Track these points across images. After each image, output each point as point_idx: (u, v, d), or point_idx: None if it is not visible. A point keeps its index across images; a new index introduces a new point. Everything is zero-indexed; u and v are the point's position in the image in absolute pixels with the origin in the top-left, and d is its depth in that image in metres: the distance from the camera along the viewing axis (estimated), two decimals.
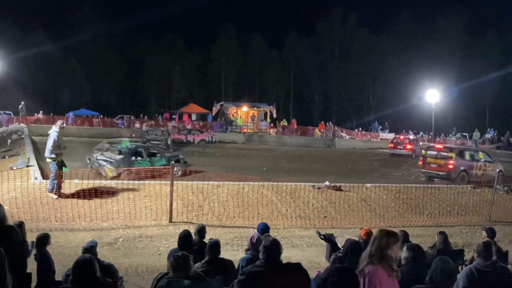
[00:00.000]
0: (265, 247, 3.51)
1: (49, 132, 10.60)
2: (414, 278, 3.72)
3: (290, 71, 66.49)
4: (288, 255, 7.13)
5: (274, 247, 3.52)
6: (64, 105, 50.79)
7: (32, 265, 4.92)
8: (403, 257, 4.20)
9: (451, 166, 16.93)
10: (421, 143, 30.94)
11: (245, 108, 40.29)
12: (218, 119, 40.49)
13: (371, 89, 62.55)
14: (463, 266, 5.86)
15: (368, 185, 13.44)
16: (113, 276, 4.55)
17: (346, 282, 3.90)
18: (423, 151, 19.54)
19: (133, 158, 14.58)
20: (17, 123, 31.14)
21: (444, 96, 42.67)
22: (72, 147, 17.68)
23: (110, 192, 10.86)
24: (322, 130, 41.07)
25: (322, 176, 14.85)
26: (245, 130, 37.87)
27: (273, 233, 6.02)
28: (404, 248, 4.28)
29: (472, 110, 53.69)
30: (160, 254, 7.77)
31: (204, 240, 5.58)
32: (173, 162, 13.18)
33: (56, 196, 10.15)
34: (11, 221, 5.54)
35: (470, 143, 35.70)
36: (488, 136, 39.84)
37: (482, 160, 17.69)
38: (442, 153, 17.74)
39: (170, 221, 9.74)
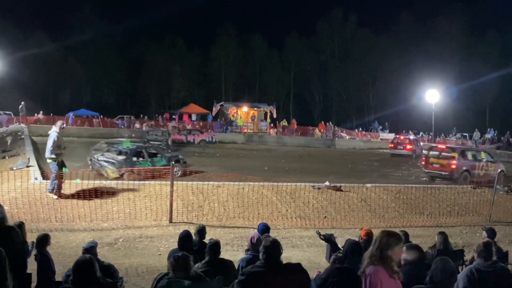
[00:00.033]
0: (265, 247, 3.51)
1: (49, 132, 10.61)
2: (414, 278, 3.72)
3: (290, 71, 66.48)
4: (288, 256, 7.13)
5: (274, 247, 3.52)
6: (64, 105, 50.87)
7: (32, 266, 4.92)
8: (402, 258, 4.19)
9: (453, 166, 16.97)
10: (421, 143, 30.95)
11: (245, 108, 40.29)
12: (218, 119, 40.49)
13: (371, 89, 62.55)
14: (463, 266, 5.86)
15: (368, 185, 13.44)
16: (113, 276, 4.55)
17: (346, 283, 3.90)
18: (425, 151, 19.56)
19: (135, 158, 14.58)
20: (17, 123, 31.12)
21: (444, 96, 42.65)
22: (72, 147, 17.69)
23: (110, 193, 10.85)
24: (322, 130, 41.07)
25: (322, 176, 14.84)
26: (245, 130, 37.86)
27: (273, 234, 6.02)
28: (404, 248, 4.28)
29: (472, 110, 53.67)
30: (160, 254, 7.77)
31: (204, 240, 5.58)
32: (173, 162, 13.20)
33: (56, 197, 10.15)
34: (11, 221, 5.55)
35: (470, 143, 35.67)
36: (488, 136, 39.84)
37: (484, 160, 17.75)
38: (445, 153, 17.79)
39: (170, 221, 9.74)
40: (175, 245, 5.65)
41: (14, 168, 12.29)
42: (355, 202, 12.03)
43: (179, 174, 13.93)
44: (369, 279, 3.07)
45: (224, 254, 5.26)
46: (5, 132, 24.66)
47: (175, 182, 10.50)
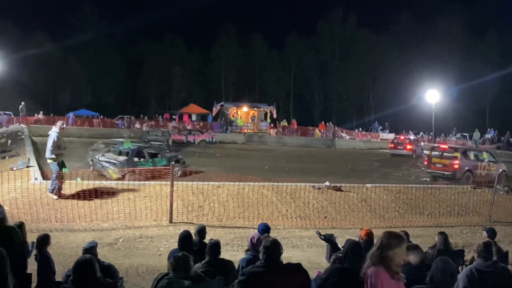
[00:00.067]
0: (265, 247, 3.51)
1: (49, 133, 10.61)
2: (414, 278, 3.72)
3: (290, 71, 66.49)
4: (288, 256, 7.13)
5: (275, 247, 3.52)
6: (64, 106, 50.92)
7: (32, 266, 4.92)
8: (404, 259, 4.18)
9: (456, 166, 17.03)
10: (422, 143, 30.96)
11: (245, 109, 40.30)
12: (218, 120, 40.50)
13: (371, 89, 62.56)
14: (463, 266, 5.86)
15: (368, 185, 13.44)
16: (113, 276, 4.55)
17: (347, 283, 3.89)
18: (428, 151, 19.60)
19: (136, 159, 14.58)
20: (18, 123, 31.14)
21: (444, 96, 42.67)
22: (72, 147, 17.68)
23: (110, 193, 10.85)
24: (322, 130, 41.08)
25: (322, 176, 14.84)
26: (245, 131, 37.86)
27: (273, 234, 6.01)
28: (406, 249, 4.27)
29: (472, 110, 53.67)
30: (160, 254, 7.77)
31: (204, 240, 5.58)
32: (173, 162, 13.20)
33: (56, 197, 10.15)
34: (11, 221, 5.55)
35: (470, 144, 35.68)
36: (488, 136, 39.86)
37: (486, 160, 17.82)
38: (447, 153, 17.85)
39: (170, 221, 9.74)
40: (175, 245, 5.65)
41: (14, 169, 12.29)
42: (355, 202, 12.03)
43: (178, 174, 13.94)
44: (369, 280, 3.06)
45: (224, 254, 5.26)
46: (5, 133, 24.67)
47: (175, 182, 10.50)
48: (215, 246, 4.66)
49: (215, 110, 40.14)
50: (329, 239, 6.07)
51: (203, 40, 65.67)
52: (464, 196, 13.34)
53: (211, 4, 74.51)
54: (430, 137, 39.73)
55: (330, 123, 43.82)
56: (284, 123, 43.14)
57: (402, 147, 27.90)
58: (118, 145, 15.94)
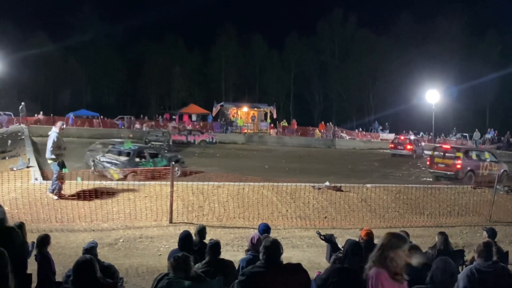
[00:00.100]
0: (266, 247, 3.51)
1: (49, 133, 10.61)
2: (414, 278, 3.72)
3: (290, 72, 66.49)
4: (288, 256, 7.13)
5: (275, 247, 3.52)
6: (64, 106, 50.94)
7: (32, 266, 4.93)
8: (406, 260, 4.17)
9: (459, 166, 17.09)
10: (423, 144, 30.96)
11: (245, 109, 40.31)
12: (219, 120, 40.52)
13: (371, 90, 62.56)
14: (464, 266, 5.86)
15: (369, 185, 13.44)
16: (113, 276, 4.55)
17: (347, 283, 3.90)
18: (430, 151, 19.65)
19: (138, 159, 14.58)
20: (18, 124, 31.15)
21: (444, 96, 42.68)
22: (72, 148, 17.68)
23: (110, 193, 10.85)
24: (322, 130, 41.09)
25: (323, 176, 14.85)
26: (245, 131, 37.88)
27: (273, 234, 6.01)
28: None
29: (472, 110, 53.67)
30: (160, 254, 7.77)
31: (204, 240, 5.58)
32: (173, 162, 13.21)
33: (56, 197, 10.15)
34: (11, 222, 5.56)
35: (470, 144, 35.70)
36: (488, 136, 39.85)
37: (488, 160, 17.88)
38: (450, 153, 17.90)
39: (171, 221, 9.73)
40: (175, 246, 5.65)
41: (15, 169, 12.30)
42: (355, 202, 12.03)
43: (178, 174, 13.95)
44: (370, 282, 3.05)
45: (225, 255, 5.26)
46: (5, 133, 24.68)
47: (175, 183, 10.50)
48: (215, 246, 4.66)
49: (215, 110, 40.15)
50: (329, 239, 6.07)
51: (203, 40, 65.85)
52: (464, 196, 13.34)
53: (211, 4, 74.72)
54: (430, 137, 39.74)
55: (330, 123, 43.83)
56: (284, 123, 43.15)
57: (402, 147, 27.92)
58: (116, 145, 15.92)
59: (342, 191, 12.59)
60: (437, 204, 12.61)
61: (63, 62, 58.94)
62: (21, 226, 5.12)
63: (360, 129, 46.65)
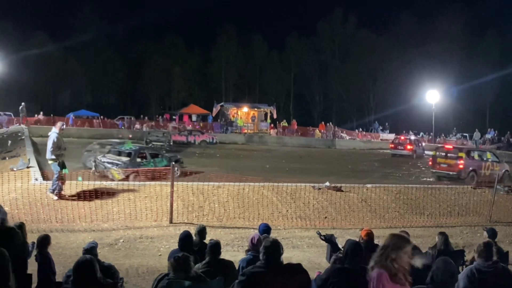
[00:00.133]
0: (266, 247, 3.51)
1: (49, 133, 10.62)
2: (414, 278, 3.72)
3: (290, 72, 66.47)
4: (288, 256, 7.13)
5: (275, 247, 3.52)
6: (64, 106, 51.00)
7: (32, 266, 4.93)
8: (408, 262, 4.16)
9: (461, 166, 17.13)
10: (423, 144, 30.96)
11: (245, 109, 40.31)
12: (219, 120, 40.53)
13: (371, 90, 62.53)
14: (464, 266, 5.87)
15: (369, 185, 13.44)
16: (113, 277, 4.56)
17: (347, 283, 3.90)
18: (432, 152, 19.67)
19: (139, 159, 14.58)
20: (18, 124, 31.15)
21: (444, 97, 42.69)
22: (73, 148, 17.68)
23: (110, 193, 10.85)
24: (322, 130, 41.10)
25: (323, 176, 14.85)
26: (246, 131, 37.88)
27: (273, 234, 6.02)
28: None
29: (472, 111, 53.64)
30: (160, 255, 7.78)
31: (204, 241, 5.58)
32: (173, 162, 13.22)
33: (56, 197, 10.15)
34: (11, 222, 5.57)
35: (470, 144, 35.69)
36: (488, 136, 39.83)
37: (490, 160, 17.94)
38: (452, 153, 17.93)
39: (171, 222, 9.73)
40: (175, 246, 5.65)
41: (15, 169, 12.30)
42: (355, 202, 12.03)
43: (178, 174, 13.94)
44: (372, 283, 3.05)
45: (225, 255, 5.26)
46: (5, 133, 24.68)
47: (175, 183, 10.50)
48: (215, 246, 4.66)
49: (215, 110, 40.16)
50: (329, 240, 6.06)
51: (203, 40, 65.80)
52: (464, 196, 13.34)
53: (211, 4, 74.65)
54: (430, 137, 39.74)
55: (330, 123, 43.83)
56: (284, 123, 43.15)
57: (402, 147, 27.93)
58: (116, 146, 15.91)
59: (342, 191, 12.59)
60: (437, 204, 12.61)
61: (63, 62, 58.92)
62: (21, 226, 5.13)
63: (360, 129, 46.64)
